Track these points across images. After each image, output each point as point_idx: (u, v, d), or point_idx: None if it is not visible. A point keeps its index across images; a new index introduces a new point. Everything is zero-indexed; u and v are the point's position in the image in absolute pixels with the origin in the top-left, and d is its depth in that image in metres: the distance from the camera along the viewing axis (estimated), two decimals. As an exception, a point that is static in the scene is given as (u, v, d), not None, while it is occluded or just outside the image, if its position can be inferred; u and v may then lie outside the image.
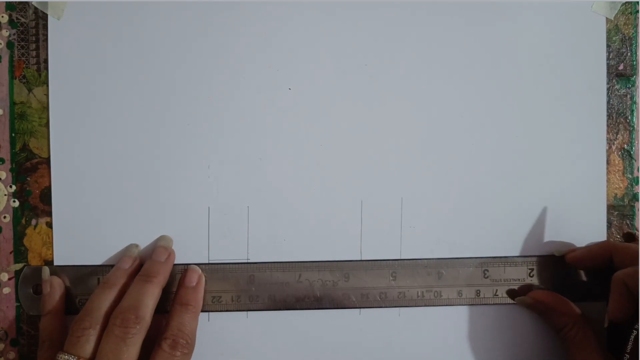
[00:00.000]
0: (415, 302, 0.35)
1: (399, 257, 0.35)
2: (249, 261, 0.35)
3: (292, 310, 0.35)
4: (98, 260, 0.34)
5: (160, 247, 0.33)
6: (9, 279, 0.34)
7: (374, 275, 0.35)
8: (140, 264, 0.33)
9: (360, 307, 0.35)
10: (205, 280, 0.34)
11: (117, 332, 0.28)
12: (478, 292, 0.35)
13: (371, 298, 0.35)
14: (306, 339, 0.35)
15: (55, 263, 0.34)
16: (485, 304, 0.36)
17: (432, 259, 0.35)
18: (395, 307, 0.35)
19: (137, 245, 0.34)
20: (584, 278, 0.36)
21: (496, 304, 0.36)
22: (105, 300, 0.30)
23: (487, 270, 0.35)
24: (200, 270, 0.34)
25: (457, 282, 0.35)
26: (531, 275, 0.36)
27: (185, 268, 0.34)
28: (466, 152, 0.36)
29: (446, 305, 0.35)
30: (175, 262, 0.34)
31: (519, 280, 0.36)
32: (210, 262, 0.34)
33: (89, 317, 0.29)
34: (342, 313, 0.35)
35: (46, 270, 0.33)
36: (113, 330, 0.29)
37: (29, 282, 0.34)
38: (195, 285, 0.33)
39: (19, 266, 0.34)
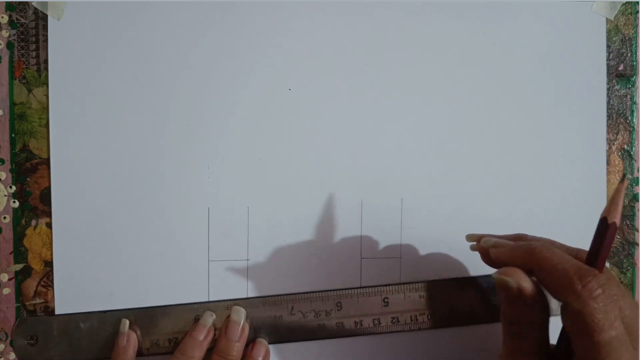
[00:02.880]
0: (409, 327, 0.34)
1: (399, 257, 0.35)
2: (248, 260, 0.35)
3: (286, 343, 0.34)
4: (98, 261, 0.34)
5: (234, 324, 0.33)
6: (9, 279, 0.34)
7: (367, 302, 0.34)
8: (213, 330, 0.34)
9: (354, 335, 0.34)
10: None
11: None
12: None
13: (365, 325, 0.34)
14: None
15: (55, 263, 0.34)
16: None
17: (424, 281, 0.35)
18: (390, 332, 0.34)
19: (212, 314, 0.34)
20: None
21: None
22: None
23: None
24: (245, 323, 0.33)
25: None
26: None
27: (227, 319, 0.33)
28: (466, 152, 0.36)
29: (438, 327, 0.34)
30: (177, 263, 0.34)
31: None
32: (210, 261, 0.34)
33: None
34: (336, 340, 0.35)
35: (125, 323, 0.33)
36: None
37: (23, 332, 0.34)
38: (239, 339, 0.33)
39: (19, 267, 0.34)
